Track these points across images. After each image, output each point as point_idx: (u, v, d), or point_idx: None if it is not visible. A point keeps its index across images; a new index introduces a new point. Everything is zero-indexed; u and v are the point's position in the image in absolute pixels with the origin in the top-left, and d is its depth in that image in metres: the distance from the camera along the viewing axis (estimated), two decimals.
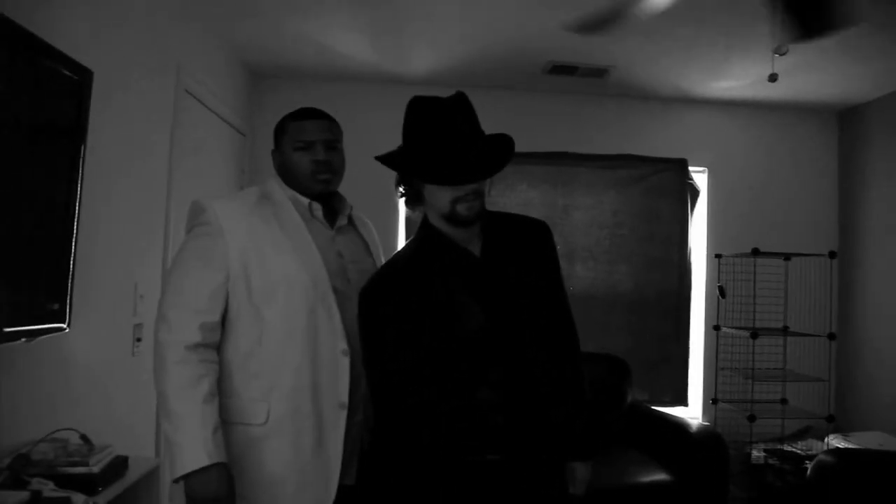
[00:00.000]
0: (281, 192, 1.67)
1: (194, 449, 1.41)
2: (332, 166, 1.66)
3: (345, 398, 1.57)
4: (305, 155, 1.64)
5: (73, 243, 1.74)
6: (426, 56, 3.51)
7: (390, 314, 1.46)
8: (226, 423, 1.51)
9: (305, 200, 1.67)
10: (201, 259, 1.55)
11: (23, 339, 1.57)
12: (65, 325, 1.74)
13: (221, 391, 1.53)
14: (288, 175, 1.68)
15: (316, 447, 1.55)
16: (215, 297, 1.53)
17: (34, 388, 1.81)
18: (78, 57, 1.74)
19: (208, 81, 3.11)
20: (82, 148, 1.77)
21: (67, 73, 1.70)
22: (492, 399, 1.43)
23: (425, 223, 1.53)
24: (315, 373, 1.56)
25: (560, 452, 1.55)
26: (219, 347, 1.56)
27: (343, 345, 1.57)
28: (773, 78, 2.76)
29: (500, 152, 1.44)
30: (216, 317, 1.53)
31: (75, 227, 1.75)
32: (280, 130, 1.70)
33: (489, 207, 1.53)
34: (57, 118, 1.70)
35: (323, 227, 1.69)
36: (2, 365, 1.65)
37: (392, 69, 3.72)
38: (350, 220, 1.77)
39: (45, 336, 1.68)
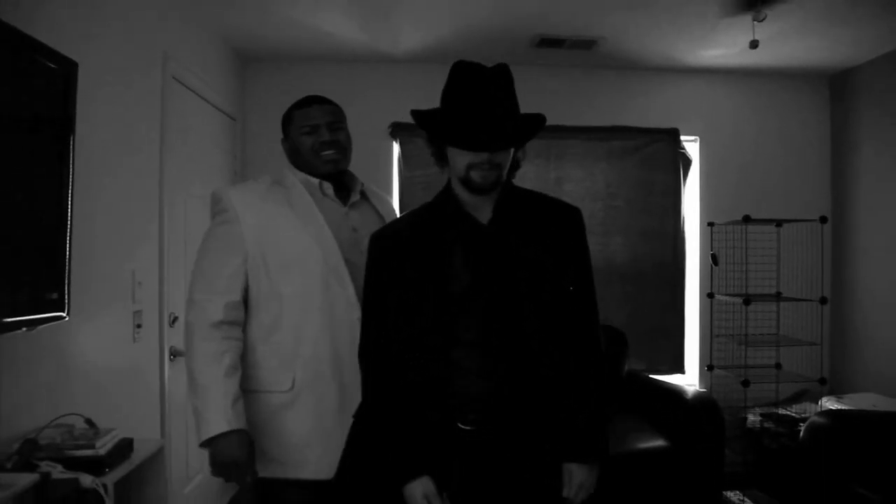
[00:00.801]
0: (292, 176, 1.80)
1: (216, 417, 1.56)
2: (339, 144, 1.78)
3: None
4: (311, 138, 1.77)
5: (69, 233, 1.77)
6: (414, 34, 3.51)
7: (390, 276, 1.51)
8: (253, 392, 1.67)
9: (315, 181, 1.79)
10: (221, 244, 1.70)
11: (23, 329, 1.61)
12: (64, 314, 1.77)
13: (247, 363, 1.68)
14: (298, 160, 1.81)
15: (338, 411, 1.67)
16: (235, 278, 1.67)
17: (37, 376, 1.85)
18: (63, 48, 1.75)
19: (196, 68, 3.11)
20: (71, 138, 1.79)
21: (52, 65, 1.71)
22: (463, 361, 1.44)
23: (447, 185, 1.56)
24: (334, 342, 1.68)
25: (556, 446, 1.49)
26: (244, 324, 1.70)
27: (358, 313, 1.66)
28: (754, 44, 2.77)
29: (520, 128, 1.46)
30: (237, 296, 1.67)
31: (69, 217, 1.77)
32: (287, 120, 1.83)
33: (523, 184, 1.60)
34: (44, 110, 1.71)
35: (335, 204, 1.80)
36: (4, 355, 1.69)
37: (381, 48, 3.72)
38: (363, 195, 1.88)
39: (45, 325, 1.71)
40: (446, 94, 1.48)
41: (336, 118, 1.79)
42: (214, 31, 3.40)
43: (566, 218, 1.56)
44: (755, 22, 2.70)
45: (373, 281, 1.54)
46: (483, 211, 1.51)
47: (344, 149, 1.80)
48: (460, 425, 1.44)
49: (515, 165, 1.54)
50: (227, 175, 3.63)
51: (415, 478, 1.42)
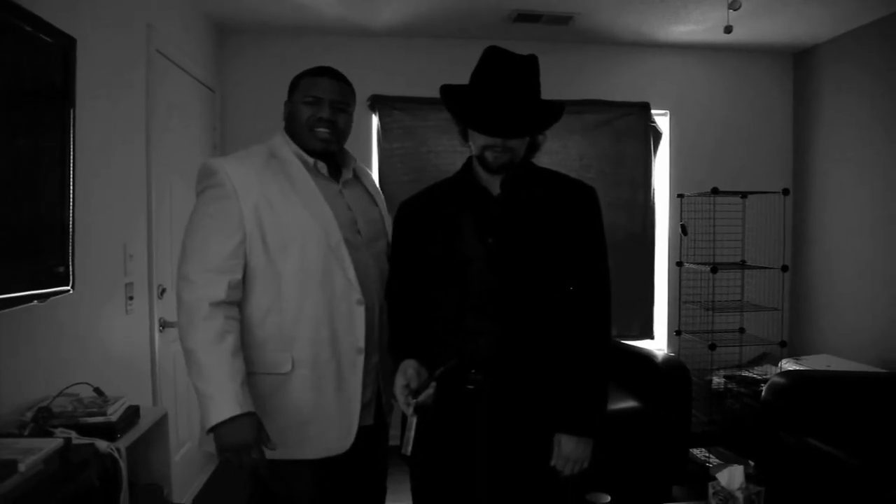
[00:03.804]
0: (287, 148, 1.72)
1: (225, 400, 1.49)
2: (336, 126, 1.72)
3: (361, 344, 1.67)
4: (311, 109, 1.70)
5: (72, 207, 1.80)
6: (393, 7, 3.53)
7: (409, 236, 1.64)
8: (251, 374, 1.59)
9: (311, 160, 1.72)
10: (218, 220, 1.60)
11: (35, 302, 1.65)
12: (69, 288, 1.80)
13: (245, 344, 1.61)
14: (292, 127, 1.74)
15: (337, 390, 1.66)
16: (236, 256, 1.60)
17: (40, 347, 1.89)
18: (57, 23, 1.76)
19: (178, 40, 3.10)
20: (72, 113, 1.81)
21: (52, 41, 1.72)
22: (468, 323, 1.55)
23: (468, 159, 1.66)
24: (332, 322, 1.65)
25: (549, 416, 1.56)
26: (240, 304, 1.63)
27: (358, 294, 1.66)
28: (728, 30, 2.89)
29: (535, 118, 1.54)
30: (239, 275, 1.60)
31: (72, 190, 1.80)
32: (294, 83, 1.76)
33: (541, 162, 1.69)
34: (45, 85, 1.73)
35: (329, 182, 1.75)
36: (15, 327, 1.74)
37: (359, 21, 3.73)
38: (354, 173, 1.84)
39: (52, 298, 1.75)
40: (474, 77, 1.56)
41: (342, 98, 1.73)
42: (194, 3, 3.37)
43: (578, 196, 1.64)
44: (730, 11, 2.82)
45: (397, 240, 1.68)
46: (496, 185, 1.61)
47: (340, 132, 1.73)
48: (469, 386, 1.51)
49: (535, 147, 1.63)
50: (207, 148, 3.63)
51: (411, 357, 1.52)
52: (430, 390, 1.42)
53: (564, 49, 4.12)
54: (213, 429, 1.51)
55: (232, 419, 1.49)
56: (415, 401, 1.40)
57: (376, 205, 1.87)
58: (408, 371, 1.47)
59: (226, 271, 1.58)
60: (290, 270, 1.63)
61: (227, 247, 1.59)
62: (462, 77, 1.68)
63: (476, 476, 1.55)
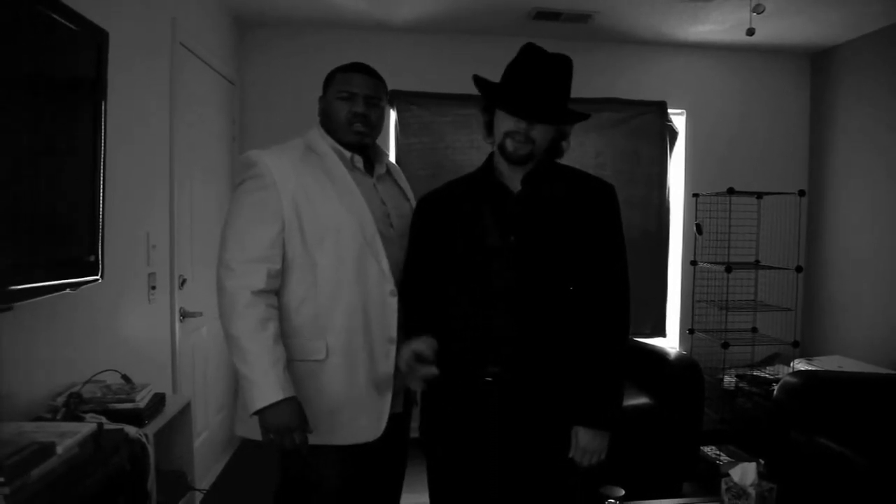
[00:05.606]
0: (323, 142, 1.76)
1: (269, 385, 1.55)
2: (370, 120, 1.75)
3: (394, 334, 1.71)
4: (346, 105, 1.74)
5: (102, 196, 1.84)
6: (412, 3, 3.54)
7: (428, 230, 1.68)
8: (288, 360, 1.63)
9: (347, 153, 1.76)
10: (258, 210, 1.65)
11: (67, 290, 1.69)
12: (98, 277, 1.84)
13: (281, 332, 1.65)
14: (328, 122, 1.78)
15: (369, 377, 1.70)
16: (275, 246, 1.64)
17: (71, 334, 1.94)
18: (88, 15, 1.79)
19: (200, 33, 3.14)
20: (103, 105, 1.85)
21: (86, 34, 1.76)
22: (492, 322, 1.58)
23: (489, 156, 1.70)
24: (366, 313, 1.69)
25: (567, 409, 1.60)
26: (277, 292, 1.68)
27: (391, 286, 1.70)
28: (750, 32, 2.90)
29: (561, 111, 1.58)
30: (278, 264, 1.65)
31: (102, 181, 1.84)
32: (329, 79, 1.80)
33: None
34: (79, 77, 1.76)
35: (364, 176, 1.79)
36: (50, 314, 1.78)
37: (378, 16, 3.75)
38: (386, 167, 1.88)
39: (82, 287, 1.79)
40: (508, 67, 1.61)
41: (376, 93, 1.76)
42: None
43: (598, 193, 1.66)
44: (753, 14, 2.83)
45: (416, 234, 1.72)
46: (516, 181, 1.63)
47: (373, 126, 1.77)
48: (487, 377, 1.56)
49: (557, 149, 1.65)
50: (227, 140, 3.67)
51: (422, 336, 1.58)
52: (433, 369, 1.53)
53: (583, 47, 4.11)
54: (257, 413, 1.57)
55: (276, 403, 1.55)
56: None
57: (407, 200, 1.91)
58: (425, 342, 1.55)
59: (265, 260, 1.63)
60: (327, 261, 1.67)
61: (267, 236, 1.64)
62: (480, 73, 1.70)
63: (490, 467, 1.59)
